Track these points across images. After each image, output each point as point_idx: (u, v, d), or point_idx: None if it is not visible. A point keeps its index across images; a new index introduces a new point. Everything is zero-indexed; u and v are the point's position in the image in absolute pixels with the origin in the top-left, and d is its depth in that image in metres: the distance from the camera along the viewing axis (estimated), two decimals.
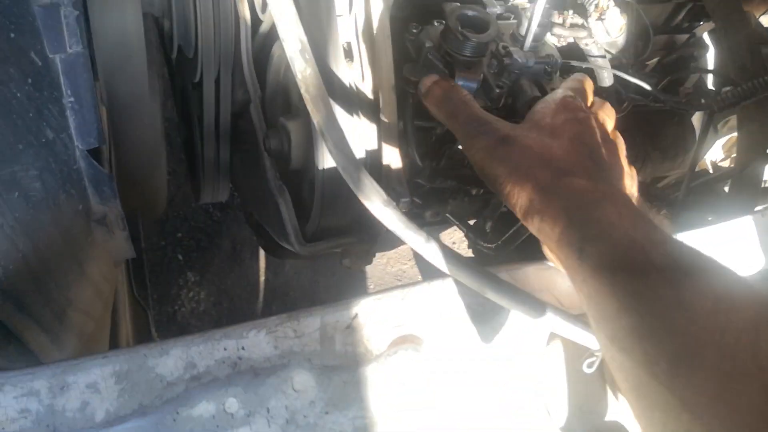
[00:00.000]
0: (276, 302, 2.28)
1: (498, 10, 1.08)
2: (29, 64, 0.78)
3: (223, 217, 2.27)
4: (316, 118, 0.70)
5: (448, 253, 0.72)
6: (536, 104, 0.82)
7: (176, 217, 2.23)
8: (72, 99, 0.83)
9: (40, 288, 0.85)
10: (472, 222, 1.43)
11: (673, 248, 0.60)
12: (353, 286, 2.39)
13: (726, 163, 1.85)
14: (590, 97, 0.87)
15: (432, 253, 0.72)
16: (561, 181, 0.69)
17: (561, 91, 0.84)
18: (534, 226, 0.70)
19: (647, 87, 1.10)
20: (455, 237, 2.53)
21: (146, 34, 1.01)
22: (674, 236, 0.63)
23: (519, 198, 0.71)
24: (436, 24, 1.02)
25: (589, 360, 0.71)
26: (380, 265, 2.44)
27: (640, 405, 0.56)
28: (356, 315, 0.71)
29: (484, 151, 0.75)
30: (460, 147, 1.00)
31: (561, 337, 0.73)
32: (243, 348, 0.67)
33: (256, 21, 1.12)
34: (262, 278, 2.28)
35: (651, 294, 0.56)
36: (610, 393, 0.75)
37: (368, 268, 2.40)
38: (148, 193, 1.19)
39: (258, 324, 0.68)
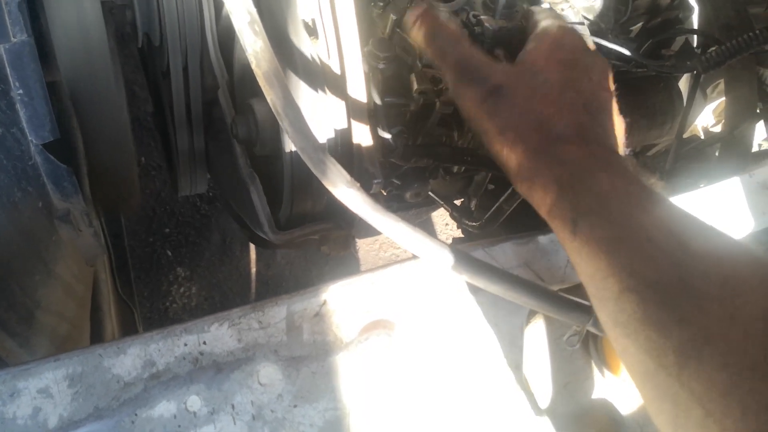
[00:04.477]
0: (269, 294, 2.24)
1: None
2: None
3: (212, 210, 2.23)
4: (269, 96, 0.66)
5: (418, 234, 0.68)
6: (530, 41, 0.76)
7: (163, 212, 2.19)
8: (21, 91, 0.79)
9: (1, 291, 0.82)
10: (459, 202, 1.39)
11: (671, 219, 0.56)
12: (346, 274, 2.35)
13: (717, 129, 1.81)
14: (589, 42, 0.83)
15: (401, 234, 0.68)
16: (552, 147, 0.65)
17: (557, 24, 0.78)
18: (524, 192, 0.67)
19: (627, 52, 1.05)
20: (449, 218, 2.49)
21: (108, 23, 0.97)
22: (670, 201, 0.59)
23: (509, 160, 0.67)
24: None
25: (570, 336, 0.68)
26: (373, 251, 2.40)
27: (648, 394, 0.53)
28: (325, 302, 0.67)
29: (473, 102, 0.71)
30: (433, 122, 0.96)
31: (542, 314, 0.70)
32: (205, 342, 0.63)
33: (219, 2, 1.08)
34: (254, 270, 2.24)
35: (653, 276, 0.52)
36: (595, 369, 0.72)
37: (360, 254, 2.37)
38: (119, 187, 1.16)
39: (220, 317, 0.65)
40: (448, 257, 0.67)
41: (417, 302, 0.69)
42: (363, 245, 2.33)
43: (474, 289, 0.70)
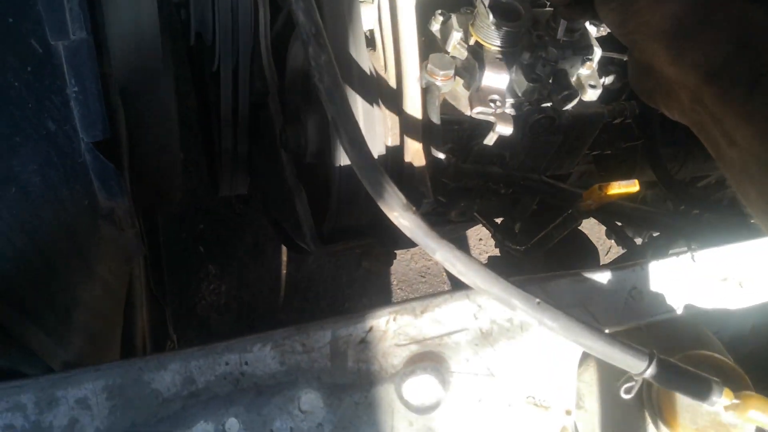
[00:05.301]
0: (297, 297, 2.23)
1: None
2: (29, 51, 0.73)
3: (246, 210, 2.23)
4: (330, 111, 0.64)
5: (473, 264, 0.65)
6: None
7: (198, 209, 2.20)
8: (76, 89, 0.78)
9: (42, 288, 0.81)
10: (500, 221, 1.36)
11: None
12: (376, 281, 2.33)
13: None
14: None
15: (456, 263, 0.65)
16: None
17: None
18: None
19: None
20: (482, 233, 2.45)
21: (162, 20, 0.96)
22: None
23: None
24: (465, 11, 0.95)
25: (627, 384, 0.64)
26: (404, 261, 2.37)
27: None
28: (371, 328, 0.65)
29: None
30: (487, 143, 0.93)
31: (596, 358, 0.66)
32: (246, 363, 0.61)
33: (276, 6, 1.07)
34: (284, 272, 2.23)
35: None
36: (649, 421, 0.68)
37: None
38: (162, 185, 1.15)
39: (263, 337, 0.62)
40: (502, 290, 0.64)
41: (468, 335, 0.66)
42: None
43: (527, 326, 0.67)
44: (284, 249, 2.24)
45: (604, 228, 1.23)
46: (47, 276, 0.81)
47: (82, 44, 0.76)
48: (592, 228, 1.69)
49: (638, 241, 1.45)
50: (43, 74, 0.75)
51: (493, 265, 1.53)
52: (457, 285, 0.68)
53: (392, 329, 0.65)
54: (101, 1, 0.88)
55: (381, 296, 2.34)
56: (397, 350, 0.65)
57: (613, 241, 1.41)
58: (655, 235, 1.35)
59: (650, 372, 0.63)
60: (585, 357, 0.68)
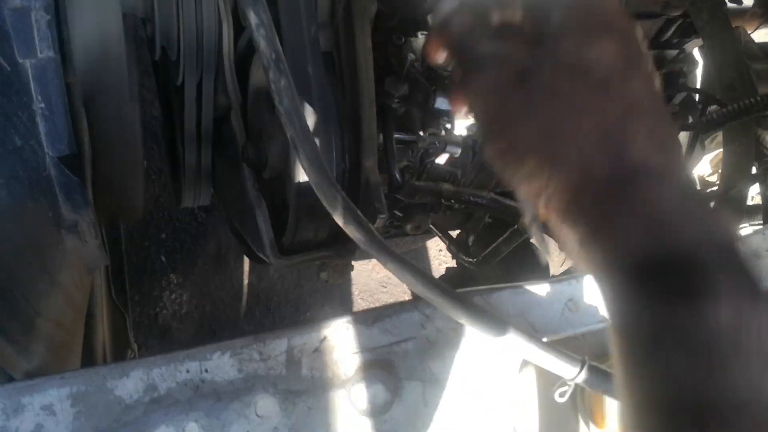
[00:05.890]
0: (259, 306, 2.25)
1: None
2: None
3: (209, 218, 2.24)
4: (289, 132, 0.68)
5: (422, 276, 0.70)
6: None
7: (161, 217, 2.20)
8: (42, 105, 0.81)
9: (5, 299, 0.83)
10: (456, 233, 1.42)
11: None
12: (338, 291, 2.37)
13: (714, 178, 1.84)
14: None
15: (405, 274, 0.70)
16: (627, 188, 0.42)
17: None
18: (567, 235, 0.45)
19: None
20: (442, 244, 2.51)
21: (127, 34, 0.99)
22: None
23: (552, 195, 0.44)
24: (420, 36, 1.00)
25: (561, 389, 0.70)
26: (365, 271, 2.42)
27: None
28: (325, 338, 0.69)
29: (492, 93, 0.47)
30: (440, 162, 0.99)
31: (534, 364, 0.72)
32: (206, 370, 0.65)
33: (240, 25, 1.10)
34: (246, 282, 2.25)
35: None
36: (582, 423, 0.74)
37: (353, 274, 2.38)
38: (125, 198, 1.17)
39: (223, 346, 0.66)
40: (447, 300, 0.69)
41: (416, 343, 0.71)
42: (356, 265, 2.35)
43: (471, 334, 0.72)
44: (247, 261, 2.26)
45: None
46: (10, 287, 0.83)
47: (50, 62, 0.79)
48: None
49: None
50: (10, 91, 0.77)
51: (449, 276, 1.59)
52: (416, 294, 0.73)
53: (345, 338, 0.70)
54: (67, 14, 0.91)
55: (342, 306, 2.38)
56: (349, 358, 0.69)
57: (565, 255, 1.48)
58: None
59: (582, 377, 0.69)
60: (524, 364, 0.74)
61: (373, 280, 2.43)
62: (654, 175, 0.42)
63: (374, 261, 2.45)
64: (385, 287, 2.44)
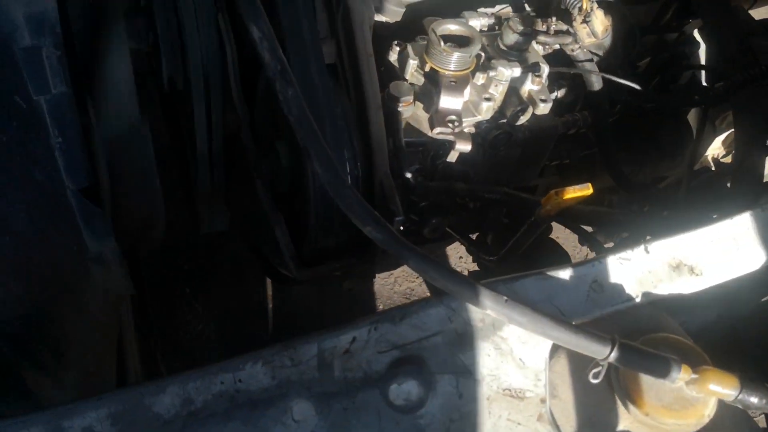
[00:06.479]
0: (285, 331, 2.25)
1: (481, 21, 1.08)
2: (13, 107, 0.78)
3: (226, 241, 2.26)
4: (300, 137, 0.69)
5: (444, 269, 0.70)
6: None
7: (179, 243, 2.22)
8: (59, 139, 0.83)
9: (36, 329, 0.84)
10: (475, 236, 1.42)
11: None
12: (362, 307, 2.36)
13: (728, 160, 1.83)
14: None
15: (429, 269, 0.71)
16: None
17: None
18: None
19: (637, 87, 1.09)
20: (462, 251, 2.50)
21: (135, 67, 1.02)
22: None
23: None
24: (419, 40, 1.02)
25: (594, 370, 0.70)
26: (388, 285, 2.41)
27: None
28: (354, 339, 0.70)
29: None
30: (450, 161, 0.99)
31: (565, 348, 0.72)
32: (240, 380, 0.66)
33: (240, 39, 1.12)
34: (270, 305, 2.26)
35: None
36: (619, 403, 0.73)
37: (376, 288, 2.38)
38: (145, 225, 1.19)
39: (254, 356, 0.67)
40: (472, 292, 0.70)
41: (445, 337, 0.71)
42: (378, 279, 2.34)
43: (499, 324, 0.72)
44: (268, 282, 2.27)
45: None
46: (41, 317, 0.84)
47: (63, 97, 0.81)
48: (567, 237, 1.75)
49: (610, 244, 1.51)
50: (28, 127, 0.79)
51: (472, 277, 1.58)
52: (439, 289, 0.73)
53: (374, 338, 0.70)
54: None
55: None
56: (380, 357, 0.69)
57: (587, 246, 1.47)
58: (624, 236, 1.41)
59: (614, 356, 0.68)
60: (555, 349, 0.74)
61: (396, 293, 2.43)
62: None
63: (396, 273, 2.45)
64: (408, 299, 2.43)
